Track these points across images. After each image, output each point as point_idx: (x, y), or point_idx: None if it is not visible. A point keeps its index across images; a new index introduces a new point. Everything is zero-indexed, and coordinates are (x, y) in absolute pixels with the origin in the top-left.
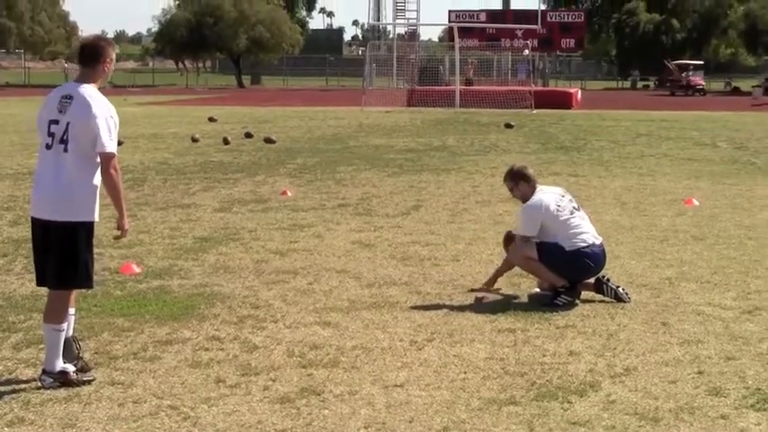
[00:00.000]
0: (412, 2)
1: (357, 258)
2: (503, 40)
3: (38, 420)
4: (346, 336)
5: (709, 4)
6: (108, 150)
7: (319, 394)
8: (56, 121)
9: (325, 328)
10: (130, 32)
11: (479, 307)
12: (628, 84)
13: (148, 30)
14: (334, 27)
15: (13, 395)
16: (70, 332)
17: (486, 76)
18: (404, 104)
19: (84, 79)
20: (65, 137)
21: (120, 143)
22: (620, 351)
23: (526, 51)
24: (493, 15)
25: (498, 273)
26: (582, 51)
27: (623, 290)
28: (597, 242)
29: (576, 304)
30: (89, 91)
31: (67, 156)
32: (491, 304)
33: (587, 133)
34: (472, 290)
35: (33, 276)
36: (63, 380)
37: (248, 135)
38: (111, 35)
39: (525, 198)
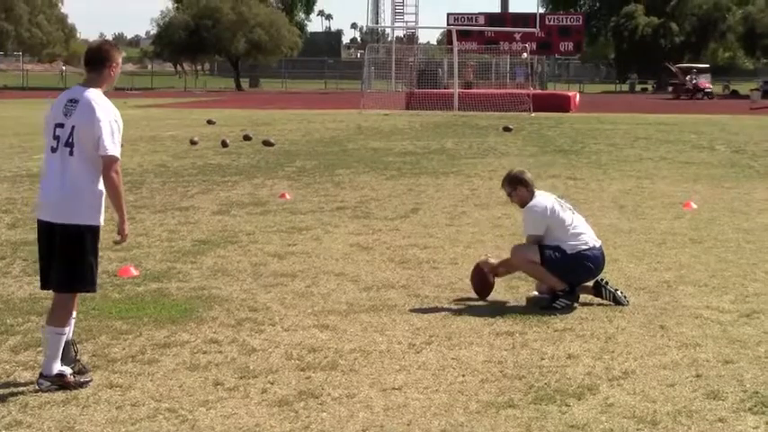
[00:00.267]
0: (410, 5)
1: (355, 261)
2: (501, 43)
3: (35, 423)
4: (344, 339)
5: (708, 8)
6: (110, 153)
7: (317, 397)
8: (61, 125)
9: (323, 331)
10: (129, 35)
11: (477, 310)
12: (626, 87)
13: (147, 32)
14: (333, 30)
15: (11, 398)
16: (70, 335)
17: (484, 79)
18: (402, 107)
19: (90, 84)
20: (70, 140)
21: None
22: (618, 354)
23: (525, 54)
24: (491, 18)
25: (501, 264)
26: (580, 54)
27: (621, 293)
28: (597, 245)
29: (575, 307)
30: (94, 95)
31: (73, 159)
32: (489, 307)
33: (585, 136)
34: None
35: (31, 279)
36: (61, 383)
37: (247, 138)
38: (109, 38)
39: (523, 203)
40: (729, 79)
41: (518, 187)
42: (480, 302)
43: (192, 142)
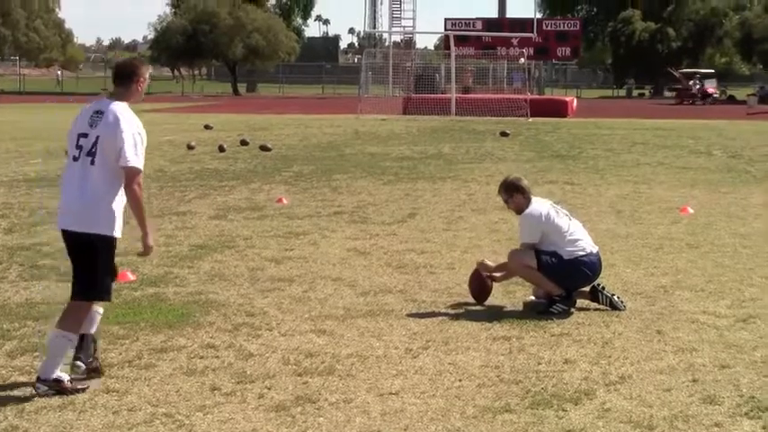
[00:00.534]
0: (408, 10)
1: (352, 266)
2: (499, 48)
3: (32, 428)
4: (341, 344)
5: (705, 13)
6: (131, 165)
7: (314, 402)
8: (85, 135)
9: (320, 336)
10: (126, 40)
11: (474, 315)
12: (623, 92)
13: (144, 37)
14: (330, 35)
15: (8, 403)
16: (93, 330)
17: (481, 84)
18: (399, 112)
19: (117, 97)
20: (93, 149)
21: None
22: (614, 359)
23: (522, 60)
24: (489, 23)
25: (499, 269)
26: (577, 60)
27: (618, 298)
28: (594, 250)
29: (572, 312)
30: (120, 108)
31: (94, 168)
32: (486, 312)
33: (583, 141)
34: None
35: (28, 284)
36: (58, 388)
37: (244, 143)
38: (106, 43)
39: (520, 209)
40: (726, 84)
41: (514, 194)
42: (477, 307)
43: (189, 147)
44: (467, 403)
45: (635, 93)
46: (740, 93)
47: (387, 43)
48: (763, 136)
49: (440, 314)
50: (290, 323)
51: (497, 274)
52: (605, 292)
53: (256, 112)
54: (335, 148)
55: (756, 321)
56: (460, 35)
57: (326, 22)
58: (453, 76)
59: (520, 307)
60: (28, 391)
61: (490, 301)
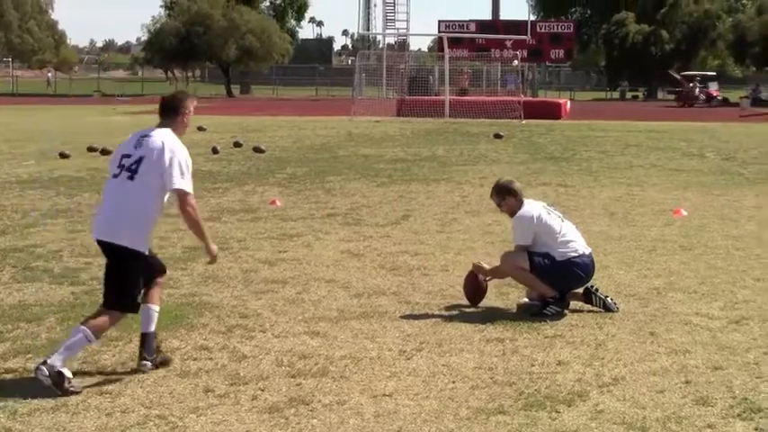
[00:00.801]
0: (402, 12)
1: (346, 268)
2: (492, 50)
3: (25, 430)
4: (335, 345)
5: (698, 16)
6: (179, 187)
7: (308, 404)
8: (128, 155)
9: (313, 338)
10: (119, 41)
11: (468, 317)
12: (617, 94)
13: (138, 39)
14: (324, 37)
15: (0, 405)
16: (152, 328)
17: (475, 87)
18: (393, 114)
19: (163, 126)
20: (133, 167)
21: (108, 152)
22: (608, 361)
23: (516, 62)
24: (483, 26)
25: (492, 272)
26: (571, 62)
27: (611, 300)
28: (587, 252)
29: (565, 314)
30: (167, 134)
31: (131, 184)
32: (480, 314)
33: (576, 144)
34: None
35: (21, 286)
36: (56, 380)
37: (237, 144)
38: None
39: (512, 212)
40: (719, 87)
41: (506, 197)
42: (471, 309)
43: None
44: (460, 405)
45: (629, 95)
46: (733, 95)
47: (380, 45)
48: (756, 138)
49: (433, 316)
50: (284, 325)
51: (490, 276)
52: (598, 293)
53: (250, 113)
54: (329, 149)
55: (749, 323)
56: (454, 37)
57: (320, 23)
58: (447, 78)
59: (513, 309)
60: (21, 393)
61: (483, 303)
